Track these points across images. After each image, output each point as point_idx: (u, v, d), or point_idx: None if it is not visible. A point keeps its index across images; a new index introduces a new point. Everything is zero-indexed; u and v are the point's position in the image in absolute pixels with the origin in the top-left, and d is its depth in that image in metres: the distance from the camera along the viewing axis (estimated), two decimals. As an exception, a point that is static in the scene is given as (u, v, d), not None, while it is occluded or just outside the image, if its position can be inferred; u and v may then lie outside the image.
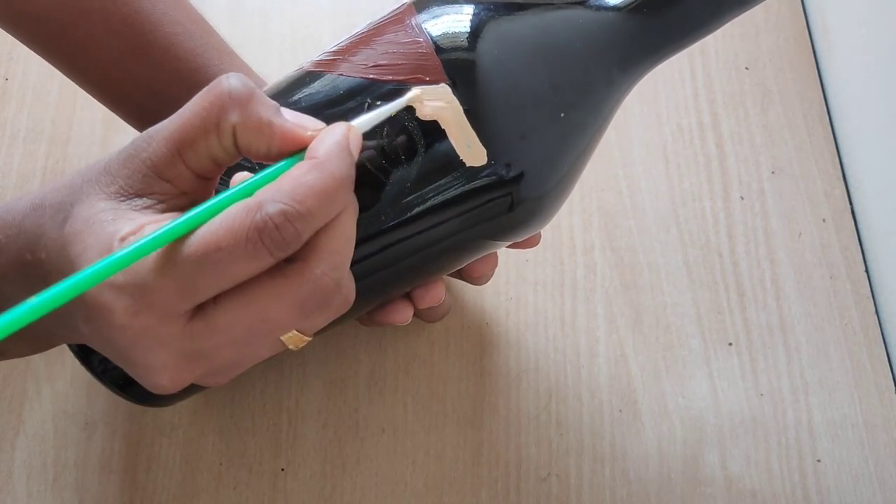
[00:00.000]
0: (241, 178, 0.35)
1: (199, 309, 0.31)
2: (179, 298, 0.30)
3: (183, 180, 0.32)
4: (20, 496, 0.50)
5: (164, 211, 0.32)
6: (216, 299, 0.31)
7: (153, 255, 0.29)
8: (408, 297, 0.46)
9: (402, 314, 0.46)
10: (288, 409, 0.52)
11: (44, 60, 0.50)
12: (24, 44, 0.49)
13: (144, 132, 0.32)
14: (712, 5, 0.40)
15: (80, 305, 0.31)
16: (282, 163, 0.32)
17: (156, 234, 0.29)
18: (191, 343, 0.31)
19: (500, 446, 0.52)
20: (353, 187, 0.32)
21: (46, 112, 0.60)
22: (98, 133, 0.60)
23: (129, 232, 0.30)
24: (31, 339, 0.37)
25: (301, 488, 0.50)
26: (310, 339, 0.34)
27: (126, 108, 0.51)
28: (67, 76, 0.50)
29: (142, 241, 0.29)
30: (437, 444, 0.52)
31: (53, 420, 0.52)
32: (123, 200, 0.32)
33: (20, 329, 0.26)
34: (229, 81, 0.31)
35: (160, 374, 0.32)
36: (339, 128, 0.33)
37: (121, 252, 0.28)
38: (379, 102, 0.37)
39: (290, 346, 0.34)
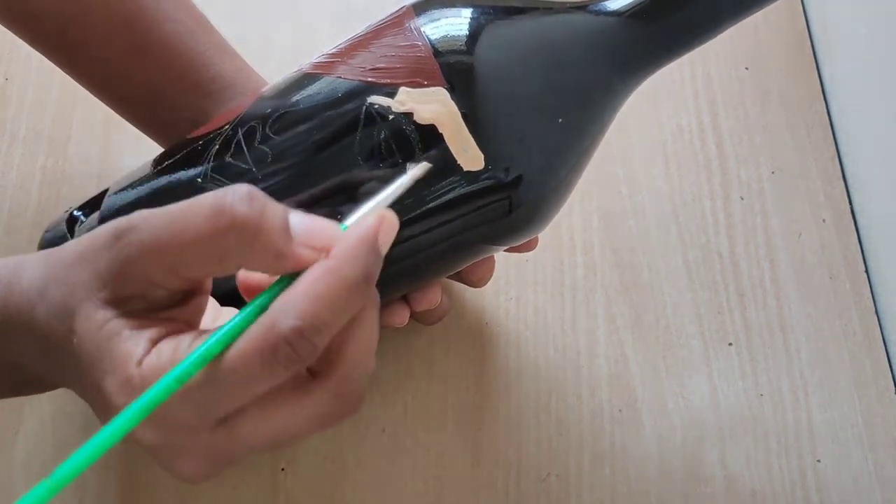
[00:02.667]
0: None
1: (224, 418, 0.31)
2: (201, 419, 0.30)
3: (177, 287, 0.31)
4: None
5: (162, 308, 0.32)
6: (240, 409, 0.31)
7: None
8: (404, 299, 0.46)
9: (399, 316, 0.46)
10: (288, 410, 0.52)
11: (44, 61, 0.50)
12: (25, 41, 0.49)
13: (134, 227, 0.30)
14: (712, 12, 0.40)
15: (104, 411, 0.31)
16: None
17: (179, 368, 0.28)
18: (214, 449, 0.31)
19: (500, 446, 0.52)
20: (372, 284, 0.30)
21: (46, 112, 0.60)
22: (98, 133, 0.60)
23: (144, 353, 0.30)
24: (42, 386, 0.38)
25: (301, 488, 0.51)
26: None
27: (126, 107, 0.51)
28: (68, 74, 0.50)
29: (169, 377, 0.28)
30: (437, 444, 0.52)
31: (53, 420, 0.52)
32: (119, 306, 0.31)
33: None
34: (234, 210, 0.29)
35: (188, 475, 0.32)
36: (365, 222, 0.31)
37: (150, 393, 0.28)
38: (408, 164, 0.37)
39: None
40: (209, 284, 0.33)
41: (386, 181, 0.35)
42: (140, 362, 0.29)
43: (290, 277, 0.30)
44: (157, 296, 0.31)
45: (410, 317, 0.47)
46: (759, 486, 0.52)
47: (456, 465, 0.52)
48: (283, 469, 0.51)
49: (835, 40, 0.65)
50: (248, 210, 0.29)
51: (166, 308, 0.32)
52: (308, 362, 0.29)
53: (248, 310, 0.30)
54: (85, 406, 0.52)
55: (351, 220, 0.32)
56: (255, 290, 0.32)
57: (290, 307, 0.29)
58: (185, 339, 0.30)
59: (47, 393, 0.52)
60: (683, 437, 0.53)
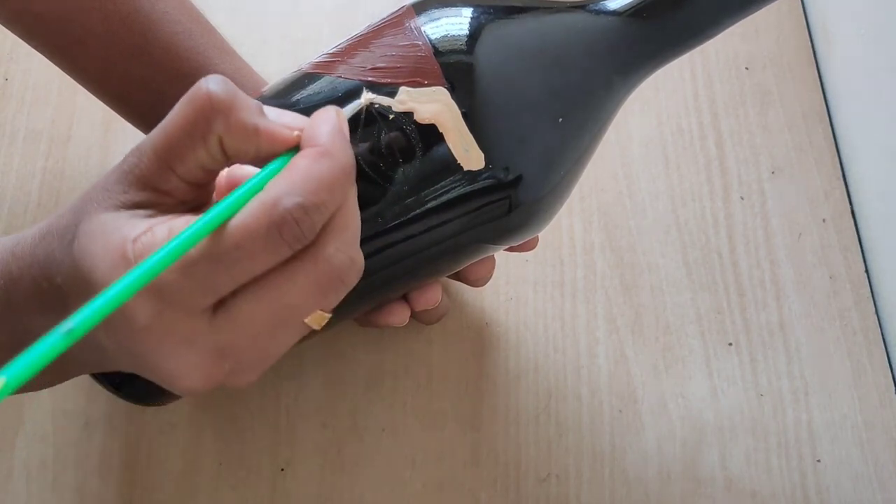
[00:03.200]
0: (240, 171, 0.35)
1: (221, 303, 0.31)
2: (200, 295, 0.30)
3: (178, 191, 0.32)
4: (20, 496, 0.50)
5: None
6: (236, 292, 0.31)
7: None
8: (404, 298, 0.46)
9: (399, 316, 0.46)
10: (287, 409, 0.52)
11: (44, 61, 0.50)
12: (25, 41, 0.49)
13: (135, 147, 0.32)
14: (712, 12, 0.40)
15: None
16: (281, 158, 0.32)
17: (176, 241, 0.29)
18: (217, 337, 0.31)
19: (500, 446, 0.52)
20: (354, 172, 0.32)
21: (46, 112, 0.60)
22: (98, 133, 0.60)
23: (140, 233, 0.30)
24: (48, 370, 0.37)
25: (300, 488, 0.51)
26: (330, 315, 0.34)
27: (126, 107, 0.51)
28: (67, 74, 0.50)
29: (166, 249, 0.28)
30: (437, 444, 0.52)
31: (53, 420, 0.52)
32: (124, 212, 0.32)
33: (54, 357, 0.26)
34: (209, 87, 0.31)
35: (191, 376, 0.32)
36: (329, 112, 0.33)
37: (149, 262, 0.28)
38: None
39: (315, 327, 0.34)
40: (212, 199, 0.34)
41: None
42: (135, 240, 0.30)
43: (282, 162, 0.31)
44: (162, 204, 0.32)
45: (410, 316, 0.47)
46: (759, 487, 0.52)
47: (456, 465, 0.52)
48: (282, 469, 0.51)
49: (835, 40, 0.65)
50: (221, 87, 0.31)
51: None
52: (308, 241, 0.31)
53: (244, 188, 0.30)
54: (85, 406, 0.52)
55: None
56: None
57: (293, 186, 0.30)
58: (179, 220, 0.31)
59: (47, 393, 0.52)
60: (683, 438, 0.53)
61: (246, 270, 0.30)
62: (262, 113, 0.32)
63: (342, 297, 0.34)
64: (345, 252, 0.32)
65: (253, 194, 0.30)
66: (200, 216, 0.30)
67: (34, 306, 0.34)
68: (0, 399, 0.25)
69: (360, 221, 0.33)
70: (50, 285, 0.33)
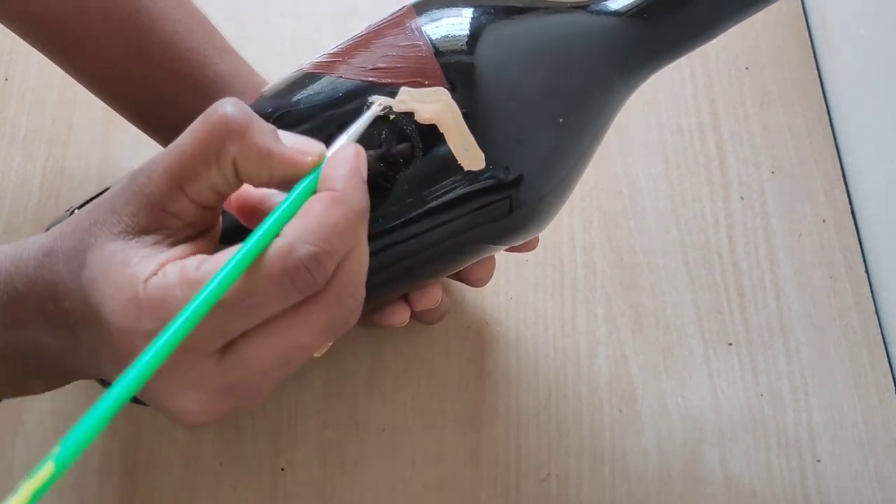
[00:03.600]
0: (250, 194, 0.35)
1: (230, 344, 0.31)
2: (212, 339, 0.30)
3: (187, 213, 0.32)
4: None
5: (172, 245, 0.32)
6: (245, 333, 0.31)
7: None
8: (405, 298, 0.47)
9: (399, 316, 0.46)
10: (287, 409, 0.52)
11: (44, 61, 0.50)
12: (25, 41, 0.49)
13: (145, 166, 0.32)
14: (713, 12, 0.40)
15: (110, 351, 0.31)
16: (299, 189, 0.32)
17: (194, 306, 0.29)
18: (224, 378, 0.32)
19: (500, 446, 0.52)
20: (368, 215, 0.33)
21: (46, 112, 0.60)
22: (98, 133, 0.60)
23: (150, 273, 0.30)
24: (52, 377, 0.38)
25: (301, 488, 0.51)
26: (331, 342, 0.35)
27: (126, 106, 0.51)
28: (68, 73, 0.50)
29: (187, 313, 0.28)
30: (437, 444, 0.52)
31: (53, 420, 0.52)
32: (132, 238, 0.32)
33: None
34: (225, 110, 0.31)
35: (196, 415, 0.32)
36: (349, 152, 0.33)
37: (172, 329, 0.28)
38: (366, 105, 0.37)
39: (317, 355, 0.35)
40: (219, 222, 0.34)
41: (349, 120, 0.36)
42: (146, 281, 0.30)
43: (295, 204, 0.31)
44: (169, 227, 0.32)
45: (411, 316, 0.47)
46: (759, 486, 0.52)
47: (456, 465, 0.52)
48: (282, 469, 0.51)
49: (835, 40, 0.65)
50: (236, 110, 0.31)
51: (178, 244, 0.32)
52: (319, 287, 0.31)
53: (260, 232, 0.30)
54: (85, 406, 0.52)
55: (329, 151, 0.34)
56: (252, 209, 0.34)
57: (307, 234, 0.30)
58: (190, 262, 0.31)
59: (48, 393, 0.52)
60: (683, 437, 0.53)
61: (258, 316, 0.31)
62: (276, 137, 0.32)
63: (345, 330, 0.34)
64: (354, 295, 0.33)
65: (270, 239, 0.30)
66: (216, 270, 0.29)
67: (40, 324, 0.34)
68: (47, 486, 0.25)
69: (368, 258, 0.33)
70: (56, 307, 0.33)
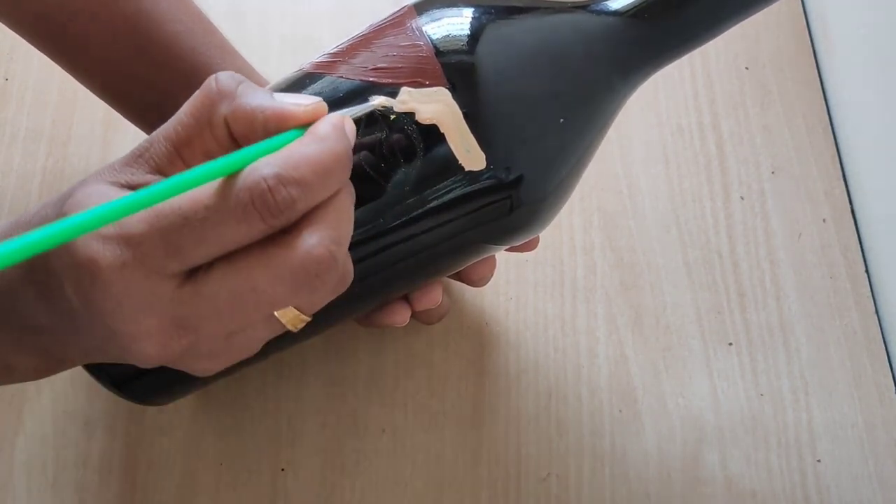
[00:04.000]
0: None
1: (190, 276, 0.31)
2: (166, 254, 0.30)
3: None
4: (20, 496, 0.50)
5: None
6: (209, 266, 0.31)
7: (144, 210, 0.29)
8: (405, 298, 0.46)
9: (400, 316, 0.46)
10: (288, 410, 0.52)
11: (44, 61, 0.50)
12: (27, 41, 0.49)
13: (149, 136, 0.33)
14: (713, 13, 0.40)
15: (68, 264, 0.31)
16: (283, 136, 0.32)
17: (150, 189, 0.28)
18: (177, 309, 0.31)
19: (500, 446, 0.52)
20: (349, 170, 0.32)
21: (46, 112, 0.60)
22: (98, 133, 0.60)
23: (127, 182, 0.31)
24: (39, 353, 0.37)
25: (301, 488, 0.51)
26: (308, 319, 0.33)
27: (127, 106, 0.51)
28: (69, 73, 0.50)
29: (135, 195, 0.28)
30: (437, 444, 0.52)
31: (53, 420, 0.52)
32: (126, 190, 0.32)
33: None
34: (217, 77, 0.32)
35: (145, 341, 0.31)
36: (336, 114, 0.33)
37: (115, 202, 0.27)
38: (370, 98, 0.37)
39: (289, 327, 0.33)
40: None
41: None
42: (122, 185, 0.31)
43: (277, 143, 0.31)
44: None
45: (411, 316, 0.47)
46: (759, 487, 0.52)
47: (456, 465, 0.52)
48: (283, 469, 0.51)
49: (835, 40, 0.65)
50: (227, 75, 0.32)
51: None
52: (283, 218, 0.30)
53: (234, 155, 0.30)
54: (85, 406, 0.52)
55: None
56: None
57: (274, 157, 0.30)
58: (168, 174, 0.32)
59: (47, 393, 0.52)
60: (683, 438, 0.53)
61: (214, 236, 0.30)
62: (269, 95, 0.32)
63: (320, 299, 0.33)
64: (327, 247, 0.31)
65: (242, 164, 0.30)
66: (185, 172, 0.30)
67: (23, 279, 0.33)
68: None
69: (352, 225, 0.33)
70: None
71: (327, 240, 0.31)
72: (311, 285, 0.31)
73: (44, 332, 0.35)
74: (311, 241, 0.31)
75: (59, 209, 0.33)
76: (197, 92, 0.32)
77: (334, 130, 0.32)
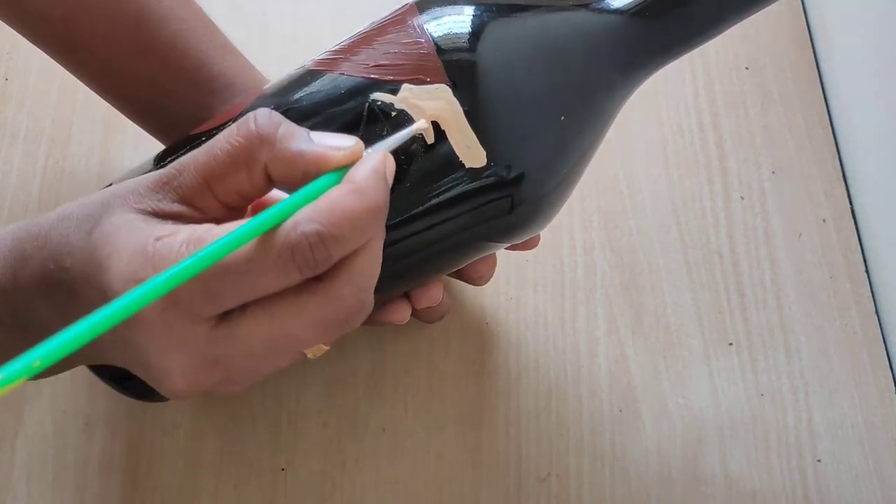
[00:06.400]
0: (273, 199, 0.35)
1: (224, 317, 0.32)
2: (204, 301, 0.30)
3: (211, 210, 0.33)
4: (20, 496, 0.50)
5: None
6: (242, 309, 0.31)
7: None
8: (406, 296, 0.46)
9: (400, 313, 0.46)
10: (288, 409, 0.52)
11: (44, 61, 0.50)
12: (29, 40, 0.50)
13: (176, 161, 0.33)
14: (714, 11, 0.40)
15: (103, 301, 0.31)
16: (321, 180, 0.32)
17: (198, 256, 0.29)
18: (211, 349, 0.32)
19: (500, 446, 0.52)
20: (385, 216, 0.32)
21: (46, 112, 0.60)
22: (98, 133, 0.60)
23: (164, 234, 0.31)
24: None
25: (301, 488, 0.51)
26: (328, 348, 0.35)
27: (129, 105, 0.51)
28: (71, 72, 0.50)
29: (184, 264, 0.28)
30: (437, 443, 0.52)
31: (53, 420, 0.52)
32: (153, 217, 0.32)
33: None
34: (256, 118, 0.32)
35: (177, 379, 0.32)
36: (377, 154, 0.33)
37: (164, 276, 0.28)
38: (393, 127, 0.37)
39: (310, 356, 0.35)
40: (243, 213, 0.35)
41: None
42: (158, 238, 0.31)
43: (315, 191, 0.31)
44: (191, 219, 0.32)
45: (411, 315, 0.47)
46: (759, 486, 0.52)
47: (456, 465, 0.52)
48: (283, 469, 0.51)
49: (835, 40, 0.65)
50: (267, 119, 0.32)
51: None
52: (319, 271, 0.31)
53: (274, 210, 0.30)
54: (85, 406, 0.52)
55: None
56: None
57: (315, 213, 0.30)
58: (202, 226, 0.31)
59: (47, 393, 0.52)
60: (683, 437, 0.53)
61: (254, 287, 0.31)
62: (308, 137, 0.32)
63: (344, 333, 0.34)
64: (357, 296, 0.32)
65: (283, 218, 0.30)
66: (226, 232, 0.30)
67: (39, 288, 0.34)
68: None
69: (378, 270, 0.33)
70: (57, 267, 0.33)
71: (358, 289, 0.32)
72: (341, 329, 0.33)
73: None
74: (344, 291, 0.32)
75: (85, 233, 0.33)
76: (235, 129, 0.32)
77: (375, 178, 0.32)
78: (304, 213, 0.30)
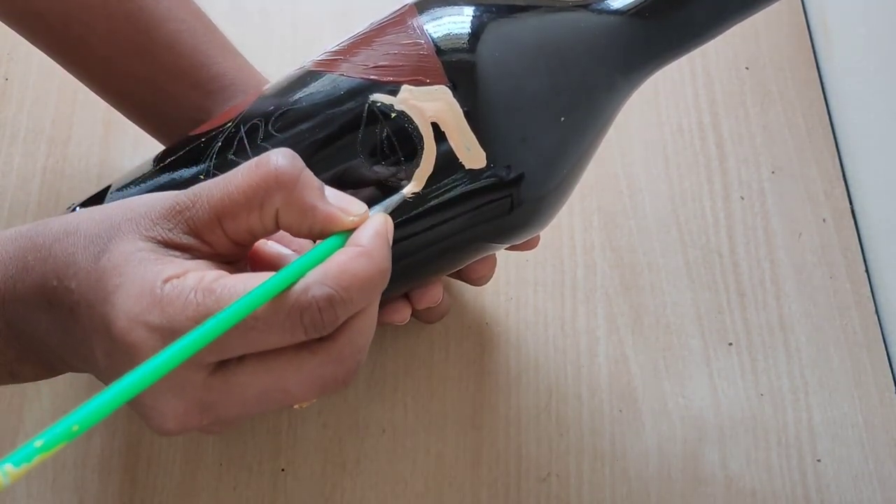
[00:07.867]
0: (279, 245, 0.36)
1: (221, 365, 0.32)
2: (207, 350, 0.30)
3: (220, 244, 0.33)
4: (20, 496, 0.50)
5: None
6: (240, 359, 0.32)
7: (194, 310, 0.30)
8: (406, 297, 0.47)
9: (400, 314, 0.46)
10: (288, 410, 0.52)
11: (44, 61, 0.50)
12: (27, 39, 0.49)
13: (189, 189, 0.33)
14: (714, 12, 0.40)
15: (104, 338, 0.31)
16: (327, 242, 0.33)
17: (213, 322, 0.29)
18: (206, 395, 0.32)
19: (500, 446, 0.52)
20: (388, 279, 0.33)
21: (46, 112, 0.60)
22: (98, 133, 0.60)
23: (172, 275, 0.31)
24: (42, 364, 0.38)
25: (301, 488, 0.51)
26: (315, 400, 0.35)
27: (128, 105, 0.51)
28: (69, 72, 0.50)
29: (198, 332, 0.29)
30: (437, 444, 0.52)
31: (53, 420, 0.51)
32: (162, 247, 0.32)
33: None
34: (277, 162, 0.32)
35: (168, 420, 0.32)
36: (379, 217, 0.34)
37: (179, 346, 0.28)
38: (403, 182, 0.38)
39: (295, 407, 0.35)
40: (245, 257, 0.35)
41: (390, 190, 0.37)
42: (167, 279, 0.31)
43: (324, 253, 0.32)
44: (199, 251, 0.33)
45: (411, 315, 0.47)
46: (759, 486, 0.52)
47: (456, 465, 0.52)
48: (282, 469, 0.51)
49: (835, 40, 0.65)
50: (288, 163, 0.32)
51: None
52: (326, 332, 0.31)
53: (287, 271, 0.31)
54: (85, 406, 0.52)
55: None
56: (265, 263, 0.35)
57: (327, 277, 0.31)
58: (210, 273, 0.31)
59: (47, 393, 0.52)
60: (683, 437, 0.53)
61: (258, 342, 0.31)
62: (322, 194, 0.33)
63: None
64: (356, 357, 0.33)
65: (292, 281, 0.31)
66: (233, 286, 0.30)
67: (40, 301, 0.34)
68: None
69: (374, 328, 0.34)
70: (60, 285, 0.33)
71: (357, 350, 0.33)
72: (335, 388, 0.33)
73: (53, 351, 0.35)
74: (345, 351, 0.32)
75: (93, 256, 0.33)
76: (253, 168, 0.32)
77: (379, 241, 0.33)
78: (315, 276, 0.31)
